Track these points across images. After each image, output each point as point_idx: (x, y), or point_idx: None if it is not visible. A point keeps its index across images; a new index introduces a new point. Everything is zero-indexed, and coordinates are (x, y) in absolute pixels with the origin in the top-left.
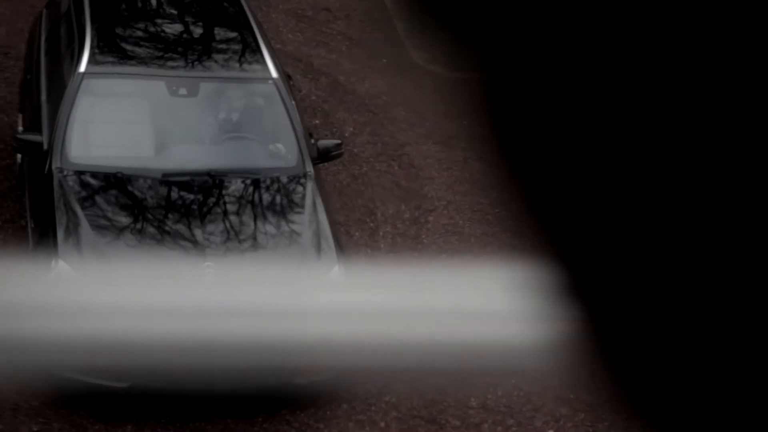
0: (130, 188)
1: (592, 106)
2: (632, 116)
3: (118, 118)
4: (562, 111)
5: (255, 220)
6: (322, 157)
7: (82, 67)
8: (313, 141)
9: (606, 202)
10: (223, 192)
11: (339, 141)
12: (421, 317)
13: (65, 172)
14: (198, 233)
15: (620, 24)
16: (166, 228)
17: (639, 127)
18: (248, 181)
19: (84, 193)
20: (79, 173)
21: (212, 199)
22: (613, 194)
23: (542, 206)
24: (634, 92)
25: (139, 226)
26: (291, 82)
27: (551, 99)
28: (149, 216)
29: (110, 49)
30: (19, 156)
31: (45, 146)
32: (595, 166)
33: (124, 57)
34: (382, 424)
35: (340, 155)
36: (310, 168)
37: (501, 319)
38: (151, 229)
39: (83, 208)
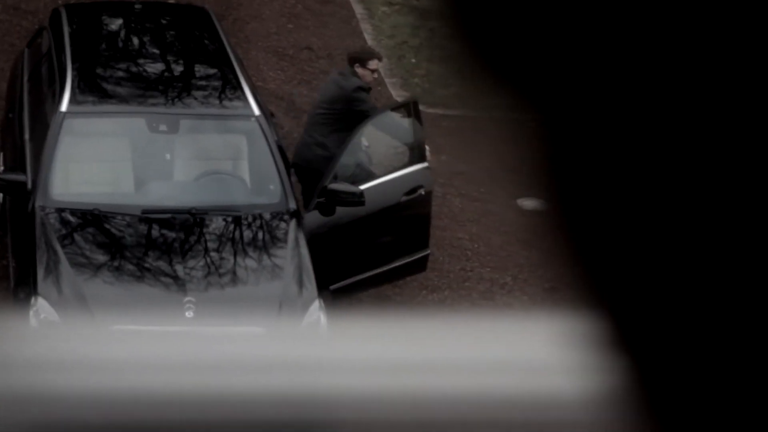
0: (109, 225)
1: (572, 133)
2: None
3: (100, 156)
4: (546, 143)
5: (236, 255)
6: (333, 201)
7: (64, 107)
8: (332, 184)
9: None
10: (205, 229)
11: (360, 190)
12: (413, 367)
13: (47, 210)
14: (179, 269)
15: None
16: (146, 264)
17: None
18: (229, 219)
19: (64, 231)
20: (60, 211)
21: (193, 237)
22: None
23: (529, 243)
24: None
25: (117, 262)
26: (274, 120)
27: (537, 133)
28: (128, 252)
29: (91, 88)
30: (0, 195)
31: (29, 185)
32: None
33: (105, 95)
34: None
35: (360, 203)
36: (293, 204)
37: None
38: (130, 266)
39: (63, 246)
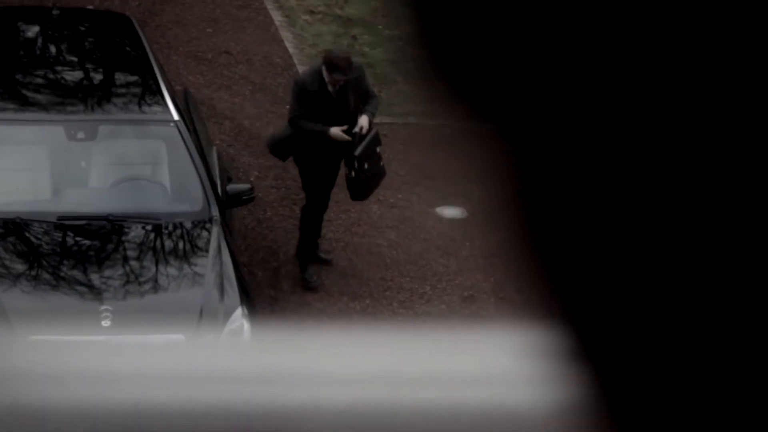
0: (27, 233)
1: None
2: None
3: (18, 164)
4: (463, 150)
5: (156, 264)
6: (232, 201)
7: None
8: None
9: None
10: (123, 236)
11: (250, 186)
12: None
13: None
14: (95, 277)
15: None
16: (63, 273)
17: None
18: (149, 226)
19: None
20: None
21: (111, 244)
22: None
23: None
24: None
25: (36, 271)
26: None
27: (454, 140)
28: (47, 261)
29: (10, 95)
30: None
31: None
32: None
33: (24, 103)
34: None
35: (251, 200)
36: (215, 212)
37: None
38: (48, 275)
39: None
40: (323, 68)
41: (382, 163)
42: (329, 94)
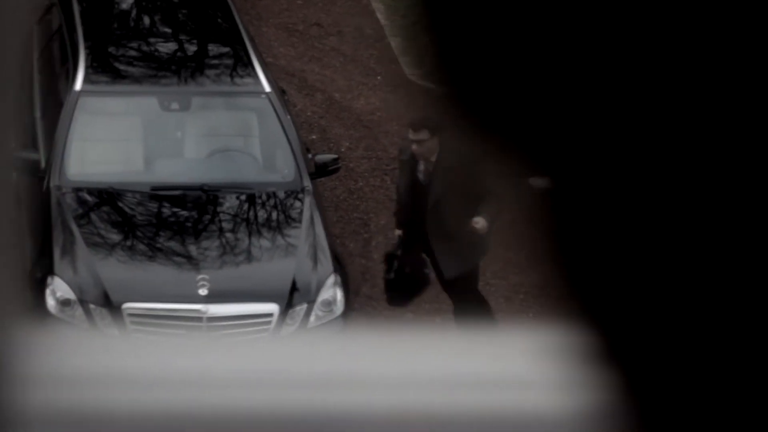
0: (123, 204)
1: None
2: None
3: (113, 135)
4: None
5: (250, 233)
6: (319, 172)
7: (78, 86)
8: (310, 156)
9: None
10: (217, 206)
11: (336, 156)
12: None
13: (63, 190)
14: (192, 247)
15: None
16: (159, 242)
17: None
18: (243, 196)
19: (80, 210)
20: (76, 190)
21: (206, 214)
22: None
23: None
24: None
25: (131, 241)
26: (285, 97)
27: (536, 109)
28: (142, 231)
29: (104, 67)
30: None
31: (42, 164)
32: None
33: (118, 75)
34: None
35: (337, 170)
36: (308, 183)
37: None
38: (143, 245)
39: (79, 226)
40: None
41: (427, 270)
42: (416, 171)
